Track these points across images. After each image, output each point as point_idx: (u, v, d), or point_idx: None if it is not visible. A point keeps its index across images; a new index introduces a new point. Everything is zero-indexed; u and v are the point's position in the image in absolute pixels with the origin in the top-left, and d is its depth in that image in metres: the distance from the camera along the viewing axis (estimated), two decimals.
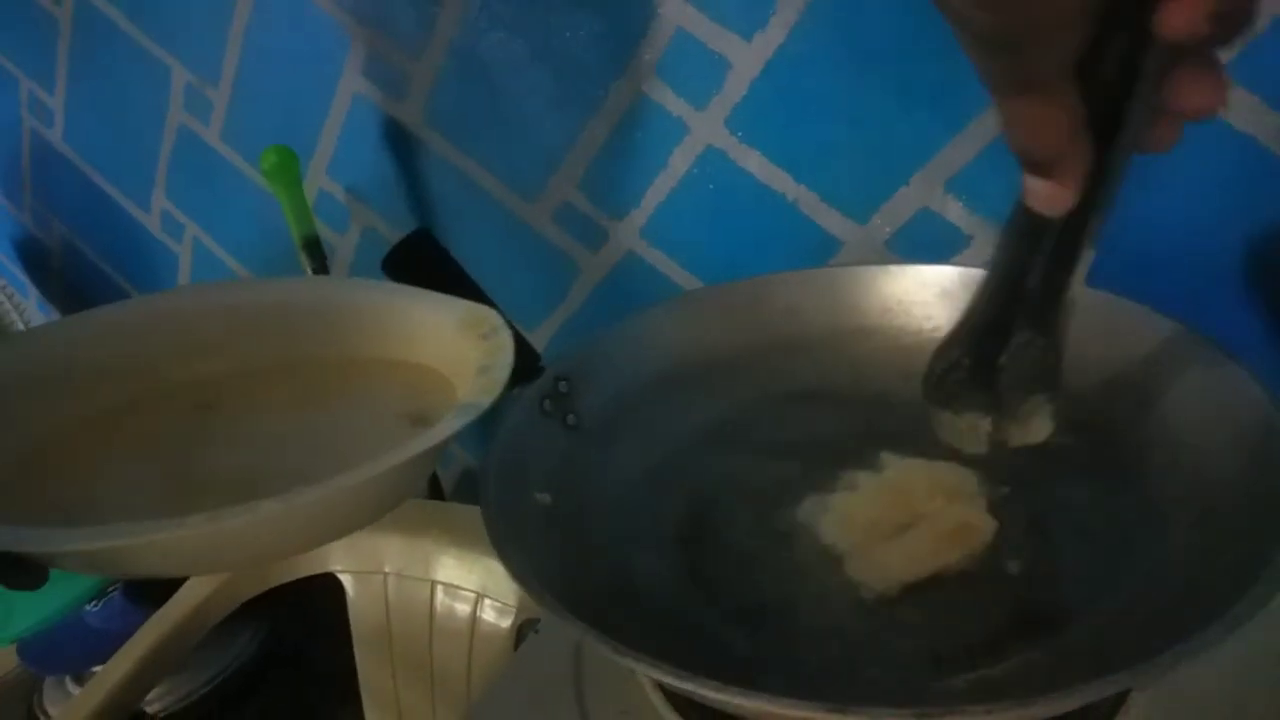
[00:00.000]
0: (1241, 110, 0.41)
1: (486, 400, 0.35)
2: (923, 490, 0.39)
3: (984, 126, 0.47)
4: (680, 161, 0.58)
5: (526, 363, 0.42)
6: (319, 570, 0.65)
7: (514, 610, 0.60)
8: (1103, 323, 0.40)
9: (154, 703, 0.78)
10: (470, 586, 0.61)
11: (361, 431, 0.40)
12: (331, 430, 0.41)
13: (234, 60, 0.75)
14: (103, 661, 0.64)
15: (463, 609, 0.62)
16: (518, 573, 0.32)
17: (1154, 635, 0.28)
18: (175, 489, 0.38)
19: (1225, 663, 0.34)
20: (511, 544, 0.33)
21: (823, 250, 0.55)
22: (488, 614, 0.61)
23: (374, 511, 0.36)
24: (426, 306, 0.43)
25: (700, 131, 0.56)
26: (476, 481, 0.37)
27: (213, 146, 0.82)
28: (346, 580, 0.65)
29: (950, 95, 0.48)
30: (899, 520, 0.38)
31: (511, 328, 0.40)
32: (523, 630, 0.59)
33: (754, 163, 0.55)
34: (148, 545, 0.29)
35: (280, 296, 0.45)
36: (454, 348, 0.41)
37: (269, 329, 0.44)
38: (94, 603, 0.85)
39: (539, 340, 0.71)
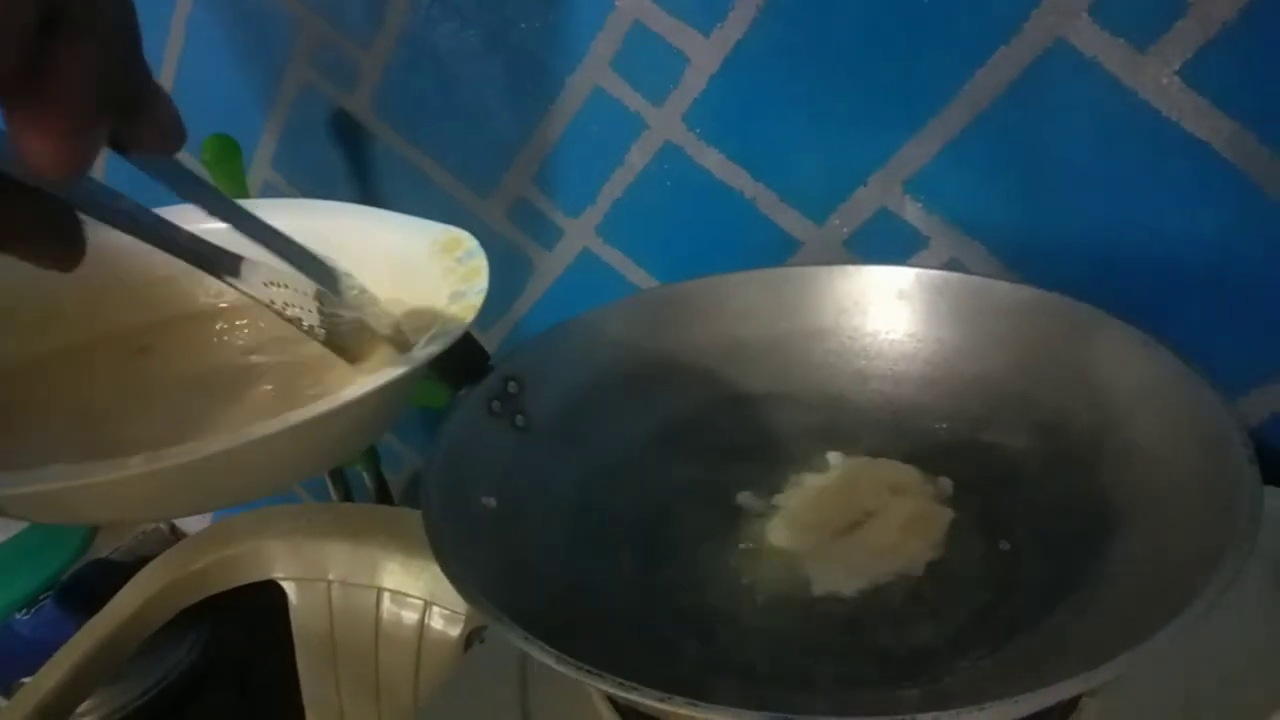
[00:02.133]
0: (1194, 115, 0.41)
1: (458, 328, 0.34)
2: (869, 488, 0.39)
3: (943, 126, 0.47)
4: (637, 158, 0.57)
5: (476, 362, 0.41)
6: (260, 577, 0.63)
7: (463, 618, 0.58)
8: (1059, 325, 0.40)
9: (86, 715, 0.76)
10: (418, 594, 0.60)
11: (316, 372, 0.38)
12: (288, 372, 0.39)
13: (176, 47, 0.73)
14: (32, 672, 0.61)
15: (410, 617, 0.60)
16: (457, 578, 0.30)
17: (1106, 637, 0.28)
18: (111, 435, 0.36)
19: (1177, 664, 0.33)
20: (453, 549, 0.32)
21: (781, 250, 0.55)
22: (436, 622, 0.59)
23: (331, 455, 0.34)
24: (395, 231, 0.41)
25: (658, 128, 0.55)
26: None
27: None
28: (289, 587, 0.63)
29: (909, 94, 0.47)
30: (849, 518, 0.38)
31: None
32: (472, 639, 0.58)
33: (712, 160, 0.54)
34: (88, 489, 0.28)
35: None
36: (425, 275, 0.39)
37: None
38: (24, 611, 0.82)
39: (491, 341, 0.69)
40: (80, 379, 0.39)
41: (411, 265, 0.40)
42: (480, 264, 0.38)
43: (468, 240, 0.39)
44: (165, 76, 0.75)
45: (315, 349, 0.37)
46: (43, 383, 0.38)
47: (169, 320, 0.42)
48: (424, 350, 0.33)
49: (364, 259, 0.39)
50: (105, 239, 0.43)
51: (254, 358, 0.41)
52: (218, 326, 0.42)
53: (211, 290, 0.42)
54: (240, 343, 0.42)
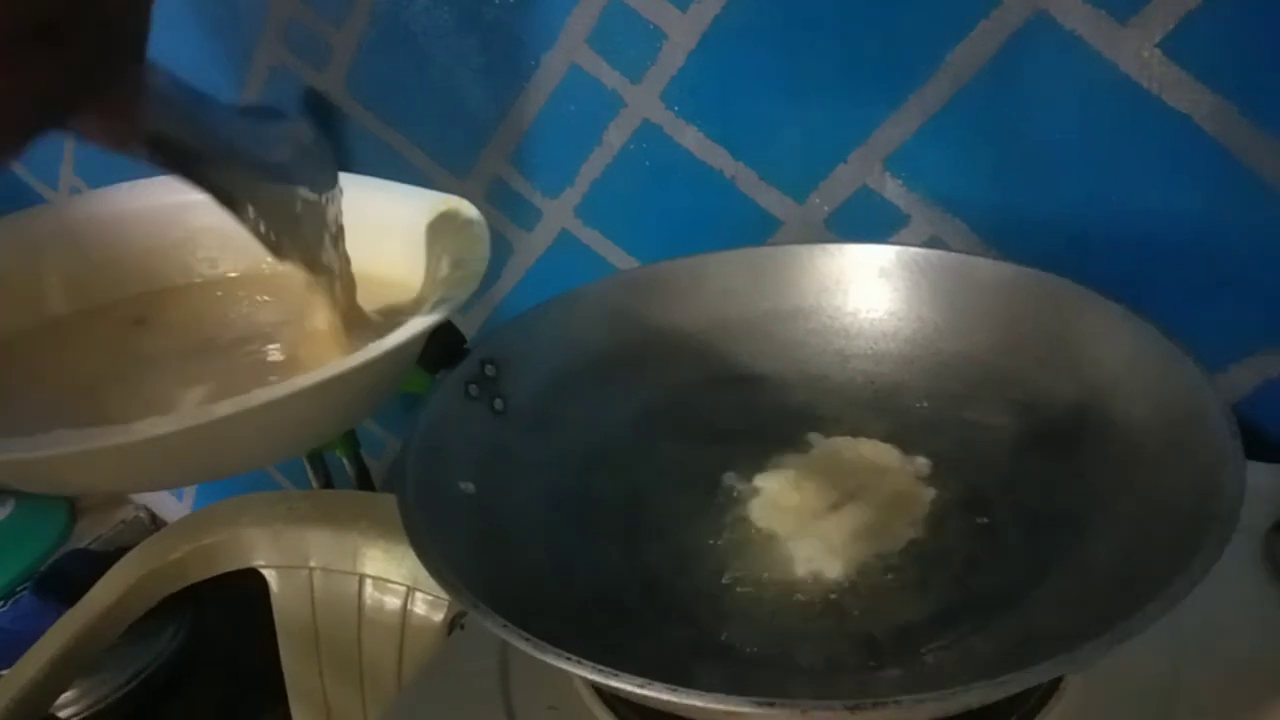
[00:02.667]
0: (1175, 88, 0.41)
1: (463, 295, 0.34)
2: (850, 468, 0.38)
3: (923, 102, 0.46)
4: (615, 137, 0.56)
5: (452, 346, 0.40)
6: (240, 565, 0.63)
7: (446, 603, 0.58)
8: (1040, 302, 0.40)
9: (67, 707, 0.75)
10: (400, 579, 0.59)
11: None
12: (286, 343, 0.39)
13: None
14: (10, 664, 0.61)
15: (393, 603, 0.60)
16: (434, 566, 0.30)
17: (1088, 618, 0.27)
18: (107, 406, 0.36)
19: (1161, 641, 0.33)
20: (429, 535, 0.32)
21: (761, 229, 0.54)
22: (419, 607, 0.59)
23: (336, 421, 0.34)
24: (394, 199, 0.40)
25: (636, 105, 0.54)
26: None
27: None
28: (270, 575, 0.63)
29: (889, 70, 0.47)
30: (830, 499, 0.37)
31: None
32: (455, 624, 0.58)
33: (691, 139, 0.54)
34: (89, 455, 0.28)
35: None
36: (426, 244, 0.39)
37: (218, 236, 0.41)
38: (2, 602, 0.81)
39: (470, 325, 0.69)
40: (76, 350, 0.39)
41: (412, 234, 0.39)
42: (481, 231, 0.38)
43: (467, 208, 0.39)
44: None
45: (315, 320, 0.36)
46: (38, 354, 0.38)
47: (165, 291, 0.41)
48: (430, 315, 0.33)
49: (364, 228, 0.38)
50: (100, 210, 0.42)
51: (251, 328, 0.40)
52: (218, 294, 0.42)
53: (207, 261, 0.42)
54: (237, 314, 0.41)
